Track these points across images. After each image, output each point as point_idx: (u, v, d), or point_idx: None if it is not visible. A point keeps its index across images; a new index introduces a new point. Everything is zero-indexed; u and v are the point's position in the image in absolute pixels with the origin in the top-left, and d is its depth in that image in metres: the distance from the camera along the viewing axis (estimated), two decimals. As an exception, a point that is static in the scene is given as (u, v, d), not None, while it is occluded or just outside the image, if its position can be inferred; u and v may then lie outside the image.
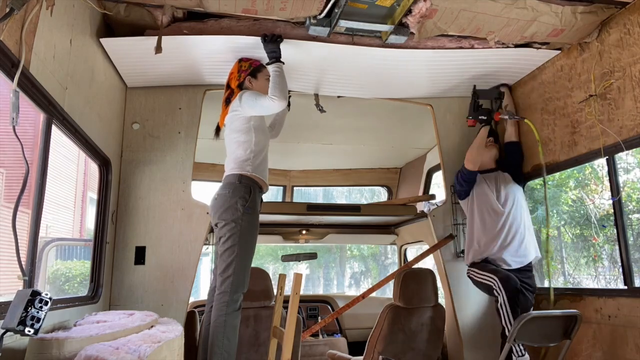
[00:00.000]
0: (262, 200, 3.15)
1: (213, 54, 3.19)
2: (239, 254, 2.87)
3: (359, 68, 3.38)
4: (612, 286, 7.84)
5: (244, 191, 2.94)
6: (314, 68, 3.40)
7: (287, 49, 3.08)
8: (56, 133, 2.33)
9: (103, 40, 2.92)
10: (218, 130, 3.33)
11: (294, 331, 2.38)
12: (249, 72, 3.17)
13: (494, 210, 3.39)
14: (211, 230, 3.85)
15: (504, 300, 3.03)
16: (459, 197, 3.64)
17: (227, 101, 3.19)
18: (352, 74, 3.50)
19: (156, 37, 2.79)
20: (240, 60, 3.20)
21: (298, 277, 2.46)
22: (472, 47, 3.18)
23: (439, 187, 4.94)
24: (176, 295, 3.28)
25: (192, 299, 4.30)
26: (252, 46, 3.09)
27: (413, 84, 3.72)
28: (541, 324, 2.82)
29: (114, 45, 2.99)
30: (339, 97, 3.83)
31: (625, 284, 2.88)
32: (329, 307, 5.32)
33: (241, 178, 2.98)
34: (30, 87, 2.01)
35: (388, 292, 5.47)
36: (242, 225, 2.89)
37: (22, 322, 1.58)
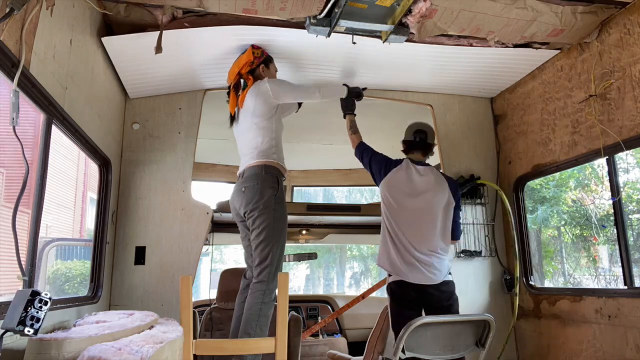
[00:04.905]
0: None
1: (213, 49, 3.17)
2: (275, 244, 2.86)
3: (361, 58, 3.38)
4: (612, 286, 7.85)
5: (272, 181, 2.92)
6: (315, 58, 3.39)
7: (288, 36, 3.04)
8: (56, 133, 2.32)
9: (105, 39, 2.89)
10: (232, 118, 3.24)
11: (286, 334, 2.35)
12: (262, 60, 3.14)
13: None
14: (211, 230, 3.85)
15: None
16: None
17: (237, 87, 3.14)
18: (354, 65, 3.50)
19: (157, 33, 2.78)
20: (253, 47, 3.14)
21: (283, 277, 2.28)
22: (471, 46, 3.18)
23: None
24: (176, 295, 3.27)
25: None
26: (252, 36, 3.06)
27: (414, 78, 3.74)
28: (440, 332, 2.48)
29: (115, 45, 2.96)
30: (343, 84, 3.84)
31: (625, 284, 2.88)
32: (329, 307, 5.31)
33: (266, 168, 2.94)
34: (30, 87, 2.01)
35: (388, 292, 5.47)
36: (276, 216, 2.89)
37: (22, 322, 1.57)
